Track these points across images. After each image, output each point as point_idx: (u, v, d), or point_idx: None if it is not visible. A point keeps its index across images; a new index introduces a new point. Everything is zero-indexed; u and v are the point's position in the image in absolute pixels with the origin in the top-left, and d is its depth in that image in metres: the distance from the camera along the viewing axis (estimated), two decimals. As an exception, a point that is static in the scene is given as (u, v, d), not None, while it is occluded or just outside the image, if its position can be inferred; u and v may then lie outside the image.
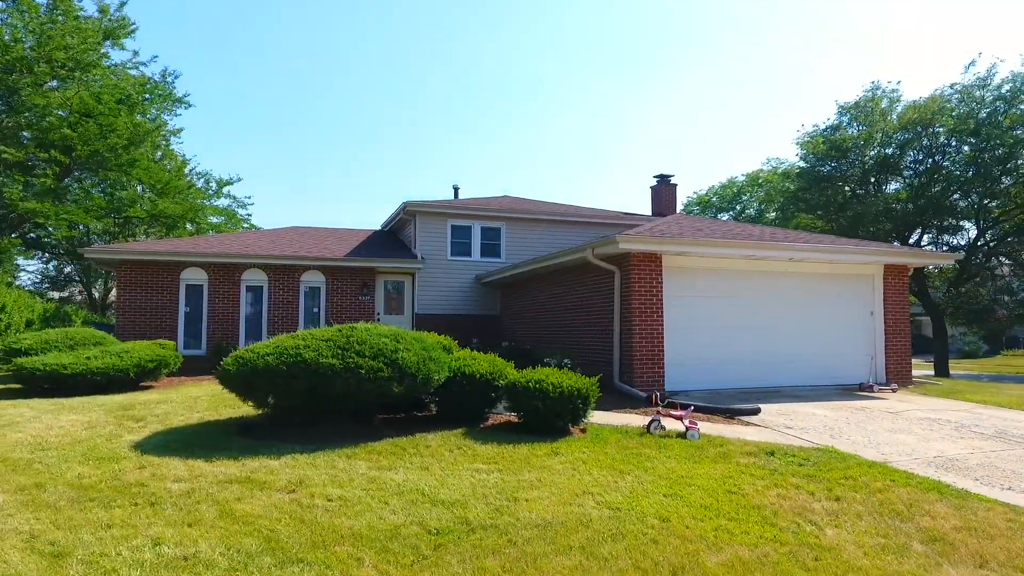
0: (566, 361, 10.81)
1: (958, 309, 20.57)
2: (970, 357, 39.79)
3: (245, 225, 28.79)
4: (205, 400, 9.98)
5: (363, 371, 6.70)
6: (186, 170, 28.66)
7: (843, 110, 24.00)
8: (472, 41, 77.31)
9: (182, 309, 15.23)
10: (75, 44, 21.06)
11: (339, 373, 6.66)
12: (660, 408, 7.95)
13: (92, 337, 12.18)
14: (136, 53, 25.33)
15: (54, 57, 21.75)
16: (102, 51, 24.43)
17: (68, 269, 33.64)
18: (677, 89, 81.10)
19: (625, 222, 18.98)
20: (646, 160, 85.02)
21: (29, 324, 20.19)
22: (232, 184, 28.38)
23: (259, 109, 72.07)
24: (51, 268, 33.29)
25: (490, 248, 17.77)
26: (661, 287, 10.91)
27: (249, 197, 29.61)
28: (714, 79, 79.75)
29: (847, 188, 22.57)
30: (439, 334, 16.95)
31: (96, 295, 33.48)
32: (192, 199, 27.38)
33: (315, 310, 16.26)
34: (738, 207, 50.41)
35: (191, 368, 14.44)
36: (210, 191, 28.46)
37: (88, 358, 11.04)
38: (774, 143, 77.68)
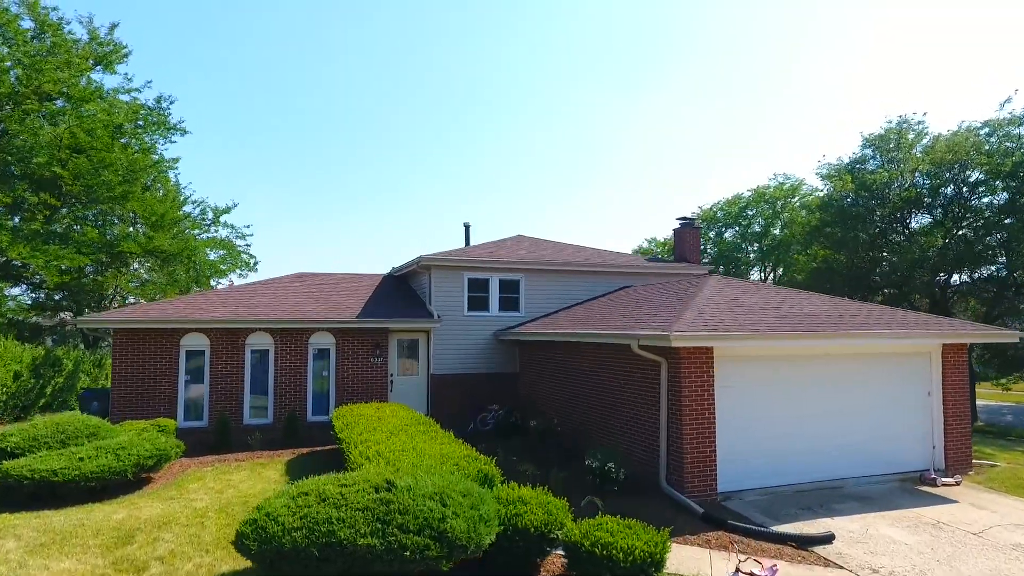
0: (610, 465, 9.84)
1: (992, 358, 19.78)
2: (979, 380, 39.17)
3: (245, 257, 27.69)
4: (213, 518, 8.95)
5: (407, 551, 5.71)
6: (180, 198, 27.48)
7: (867, 142, 23.16)
8: (471, 54, 76.20)
9: (182, 377, 14.17)
10: (65, 78, 19.89)
11: (380, 555, 5.67)
12: (739, 563, 7.01)
13: (85, 427, 11.10)
14: (129, 79, 23.98)
15: (43, 90, 20.59)
16: (94, 80, 23.28)
17: (58, 297, 32.38)
18: (671, 97, 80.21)
19: (651, 271, 18.05)
20: (641, 168, 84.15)
21: (17, 376, 19.07)
22: (229, 212, 27.24)
23: (253, 131, 70.68)
24: (40, 296, 32.00)
25: (509, 302, 16.78)
26: (713, 380, 9.98)
27: (248, 226, 28.47)
28: (718, 89, 78.91)
29: (874, 226, 21.67)
30: (457, 397, 16.02)
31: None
32: (188, 231, 26.25)
33: (324, 373, 15.23)
34: (743, 223, 49.67)
35: (193, 444, 13.43)
36: (207, 220, 27.31)
37: (81, 459, 9.99)
38: (776, 152, 76.94)
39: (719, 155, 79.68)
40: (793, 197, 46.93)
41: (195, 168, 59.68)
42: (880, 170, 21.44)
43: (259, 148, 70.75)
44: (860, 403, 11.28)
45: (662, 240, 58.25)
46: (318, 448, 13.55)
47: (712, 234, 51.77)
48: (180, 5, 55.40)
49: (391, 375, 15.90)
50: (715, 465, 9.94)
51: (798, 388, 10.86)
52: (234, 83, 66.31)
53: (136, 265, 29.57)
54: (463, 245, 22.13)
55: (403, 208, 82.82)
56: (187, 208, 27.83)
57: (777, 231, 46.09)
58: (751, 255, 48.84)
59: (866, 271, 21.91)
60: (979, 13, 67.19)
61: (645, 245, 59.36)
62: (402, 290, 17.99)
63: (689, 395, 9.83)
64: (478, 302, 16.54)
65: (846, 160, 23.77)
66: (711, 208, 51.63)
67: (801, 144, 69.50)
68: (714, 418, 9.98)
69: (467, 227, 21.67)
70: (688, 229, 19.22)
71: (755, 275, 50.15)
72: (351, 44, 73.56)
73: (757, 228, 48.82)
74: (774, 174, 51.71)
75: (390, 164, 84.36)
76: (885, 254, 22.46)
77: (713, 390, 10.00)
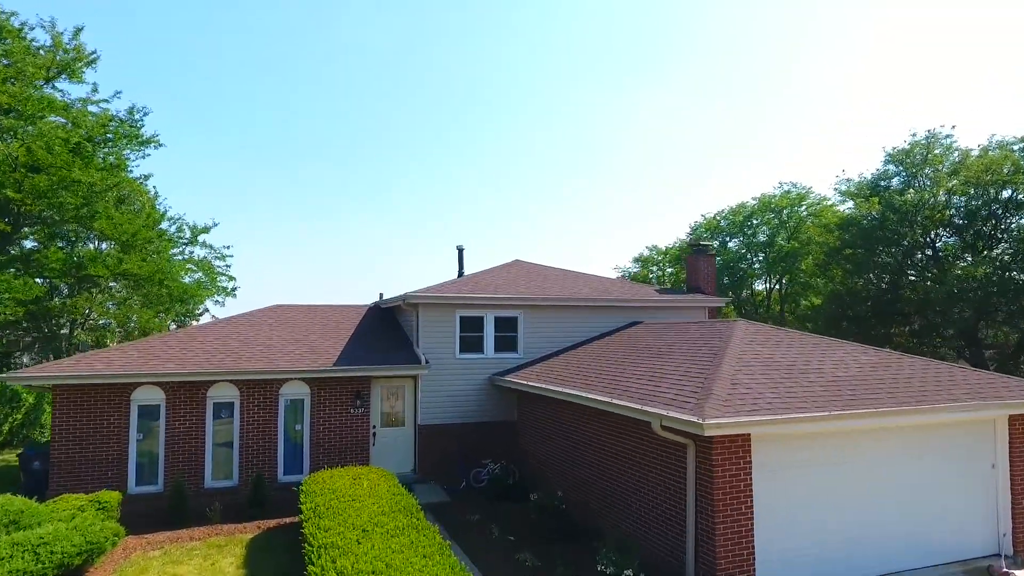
0: (627, 573, 8.17)
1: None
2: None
3: (223, 280, 25.90)
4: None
5: None
6: (156, 214, 25.70)
7: (891, 158, 21.54)
8: (467, 61, 74.57)
9: (133, 436, 12.46)
10: (17, 91, 18.15)
11: None
12: None
13: (4, 515, 9.39)
14: (96, 88, 22.17)
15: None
16: (60, 89, 21.57)
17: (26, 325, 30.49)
18: (671, 97, 78.65)
19: (662, 304, 16.40)
20: (642, 168, 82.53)
21: (-37, 420, 17.31)
22: (208, 231, 25.51)
23: (249, 132, 68.85)
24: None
25: (505, 342, 15.11)
26: (750, 467, 8.31)
27: (228, 246, 26.67)
28: (720, 93, 77.39)
29: (901, 251, 20.05)
30: (448, 450, 14.35)
31: (62, 346, 30.39)
32: (163, 252, 24.50)
33: (298, 427, 13.53)
34: (748, 231, 48.05)
35: (146, 513, 11.80)
36: (184, 239, 25.55)
37: (-9, 562, 8.29)
38: (776, 152, 75.39)
39: (719, 155, 78.09)
40: (800, 206, 45.38)
41: (191, 170, 57.95)
42: (910, 191, 19.82)
43: (257, 148, 68.95)
44: (917, 480, 9.64)
45: (664, 249, 56.64)
46: (287, 520, 11.84)
47: (716, 244, 50.15)
48: (178, 5, 53.62)
49: (373, 426, 14.21)
50: (753, 568, 8.28)
51: (845, 467, 9.21)
52: (229, 85, 64.53)
53: (114, 283, 27.84)
54: (456, 269, 20.50)
55: (402, 209, 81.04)
56: (163, 225, 26.12)
57: (784, 241, 44.51)
58: (756, 265, 47.25)
59: (891, 299, 20.27)
60: (979, 13, 65.84)
61: (646, 253, 57.71)
62: (388, 326, 16.28)
63: (723, 486, 8.17)
64: (471, 343, 14.85)
65: (868, 176, 22.17)
66: (715, 217, 50.04)
67: (801, 144, 67.91)
68: (751, 511, 8.32)
69: (460, 251, 20.01)
70: (702, 256, 17.56)
71: (760, 286, 48.59)
72: (351, 45, 71.85)
73: (762, 238, 47.23)
74: (780, 182, 49.94)
75: (389, 164, 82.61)
76: (912, 276, 20.83)
77: (751, 478, 8.34)
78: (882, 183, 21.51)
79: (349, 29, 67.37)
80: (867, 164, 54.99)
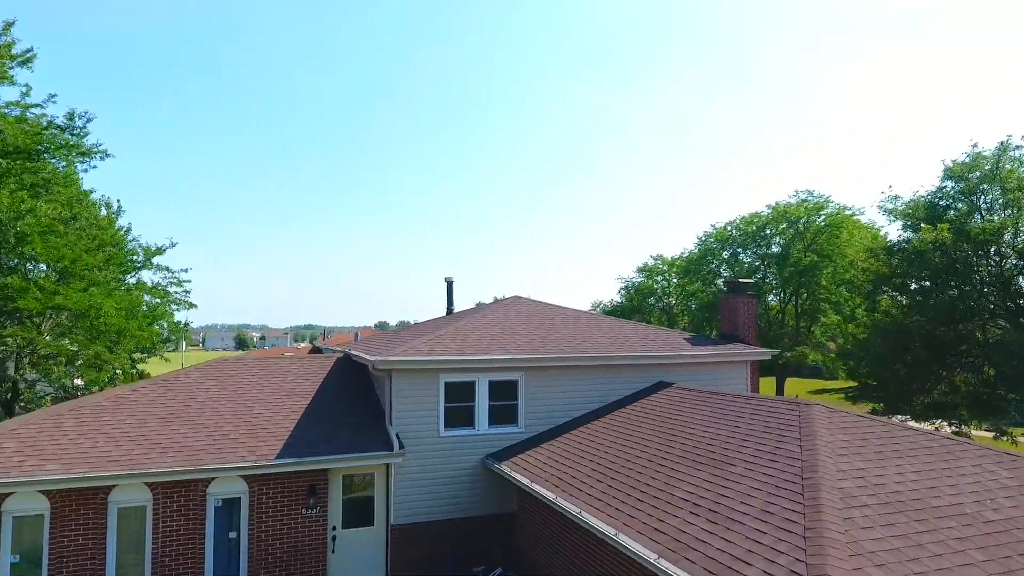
0: None
1: None
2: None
3: (176, 309, 22.65)
4: None
5: None
6: (107, 233, 22.51)
7: (950, 173, 18.50)
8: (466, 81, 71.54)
9: (6, 560, 9.36)
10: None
11: None
12: None
13: None
14: (28, 91, 19.03)
15: None
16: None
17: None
18: (670, 97, 75.77)
19: (694, 360, 13.32)
20: (641, 169, 79.58)
21: None
22: (163, 252, 22.29)
23: (245, 134, 65.72)
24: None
25: (503, 412, 12.04)
26: None
27: (186, 270, 23.25)
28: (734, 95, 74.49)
29: (974, 290, 17.02)
30: (428, 556, 11.20)
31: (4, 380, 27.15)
32: (113, 279, 21.36)
33: (232, 535, 10.43)
34: (761, 242, 45.07)
35: None
36: (137, 262, 22.38)
37: None
38: (774, 151, 72.50)
39: (718, 153, 75.29)
40: (818, 216, 42.46)
41: (186, 171, 54.81)
42: (978, 214, 16.79)
43: (250, 151, 65.85)
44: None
45: (670, 259, 53.80)
46: None
47: (726, 255, 47.19)
48: (178, 6, 50.59)
49: (333, 528, 11.09)
50: None
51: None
52: (226, 89, 61.42)
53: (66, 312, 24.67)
54: (445, 304, 17.44)
55: (399, 210, 78.00)
56: (115, 245, 22.94)
57: (801, 253, 41.56)
58: (769, 279, 44.27)
59: (953, 339, 17.23)
60: (979, 13, 63.17)
61: (651, 263, 54.83)
62: (357, 388, 13.13)
63: None
64: (459, 415, 11.77)
65: (924, 195, 19.12)
66: (725, 227, 47.05)
67: (800, 144, 65.39)
68: None
69: (449, 284, 16.93)
70: (740, 297, 14.46)
71: (773, 300, 45.63)
72: (348, 47, 68.83)
73: (776, 249, 44.29)
74: (796, 190, 46.95)
75: (389, 167, 79.58)
76: (972, 305, 17.81)
77: None
78: (940, 203, 18.50)
79: (346, 31, 64.24)
80: (867, 165, 52.30)
